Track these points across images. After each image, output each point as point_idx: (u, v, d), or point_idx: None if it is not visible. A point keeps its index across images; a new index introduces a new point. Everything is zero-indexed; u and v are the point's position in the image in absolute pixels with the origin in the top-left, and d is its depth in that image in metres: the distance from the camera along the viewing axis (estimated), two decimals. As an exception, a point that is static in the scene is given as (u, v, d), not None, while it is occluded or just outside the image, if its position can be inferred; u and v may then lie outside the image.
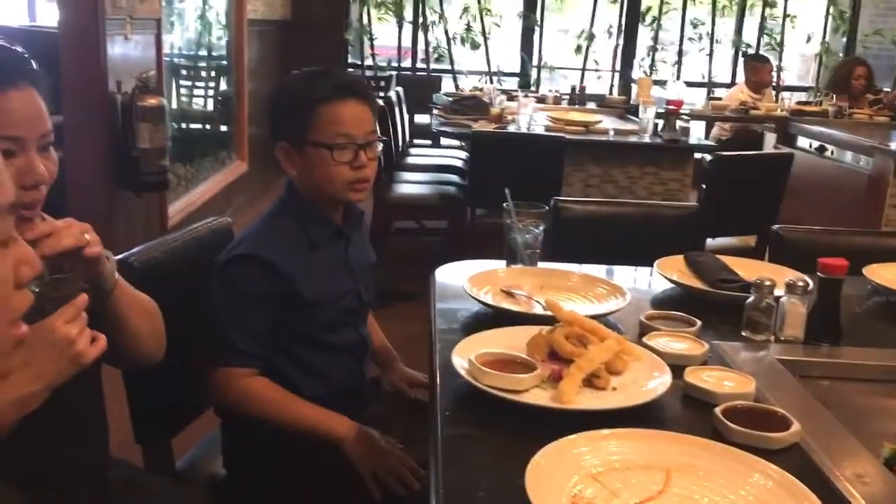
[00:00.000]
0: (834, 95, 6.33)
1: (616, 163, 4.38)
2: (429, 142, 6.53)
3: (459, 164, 5.14)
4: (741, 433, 1.13)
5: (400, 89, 5.85)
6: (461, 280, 1.75)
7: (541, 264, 1.86)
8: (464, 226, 4.15)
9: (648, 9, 7.83)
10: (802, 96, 7.59)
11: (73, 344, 1.02)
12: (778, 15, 7.96)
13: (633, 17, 7.80)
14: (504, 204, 1.85)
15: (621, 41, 7.87)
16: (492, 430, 1.20)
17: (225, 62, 5.92)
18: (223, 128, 5.93)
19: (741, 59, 7.50)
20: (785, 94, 7.29)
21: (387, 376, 1.91)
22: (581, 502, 0.96)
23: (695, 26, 7.91)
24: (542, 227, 1.85)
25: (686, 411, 1.26)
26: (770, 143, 6.02)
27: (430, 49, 7.72)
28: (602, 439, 1.08)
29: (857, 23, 8.01)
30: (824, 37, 8.11)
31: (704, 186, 3.82)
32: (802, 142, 5.55)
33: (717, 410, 1.19)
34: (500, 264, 1.87)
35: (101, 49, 3.20)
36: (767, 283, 1.53)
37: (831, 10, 7.99)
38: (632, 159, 4.38)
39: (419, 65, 7.72)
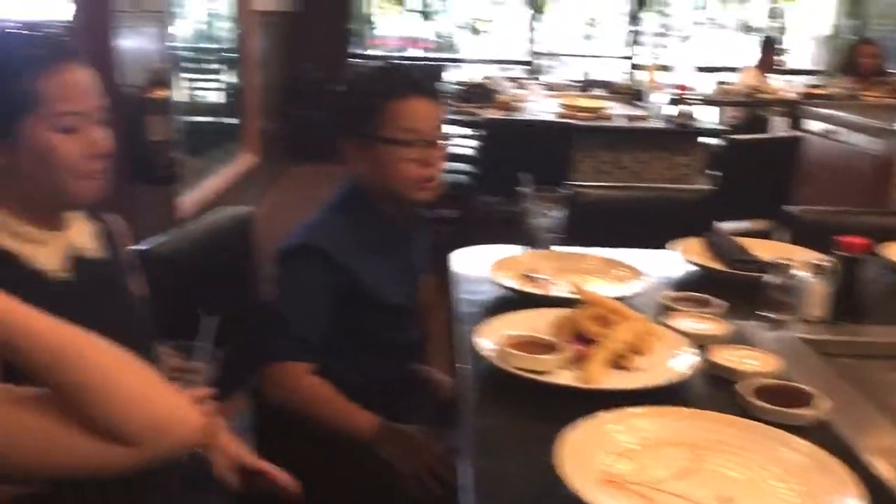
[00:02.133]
0: (842, 76, 6.31)
1: (626, 148, 4.37)
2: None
3: (468, 152, 5.14)
4: (768, 410, 1.14)
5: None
6: (479, 265, 1.77)
7: (558, 248, 1.87)
8: (475, 213, 4.16)
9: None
10: (813, 81, 7.55)
11: None
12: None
13: (639, 2, 7.77)
14: (522, 188, 1.85)
15: (629, 27, 7.84)
16: (520, 412, 1.21)
17: (232, 54, 5.93)
18: (232, 120, 5.94)
19: (749, 42, 7.47)
20: (794, 78, 7.26)
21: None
22: (613, 478, 0.98)
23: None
24: (560, 211, 1.85)
25: (710, 390, 1.27)
26: (779, 127, 6.00)
27: (436, 38, 7.71)
28: (631, 417, 1.09)
29: (865, 4, 7.96)
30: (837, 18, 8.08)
31: (715, 170, 3.82)
32: (813, 125, 5.54)
33: (743, 388, 1.20)
34: (517, 249, 1.88)
35: (112, 42, 3.21)
36: (786, 262, 1.54)
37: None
38: (641, 144, 4.38)
39: (423, 54, 7.71)
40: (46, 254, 1.18)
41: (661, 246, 1.98)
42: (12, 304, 0.83)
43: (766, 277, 1.55)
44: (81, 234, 1.26)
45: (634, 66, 7.74)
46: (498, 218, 3.92)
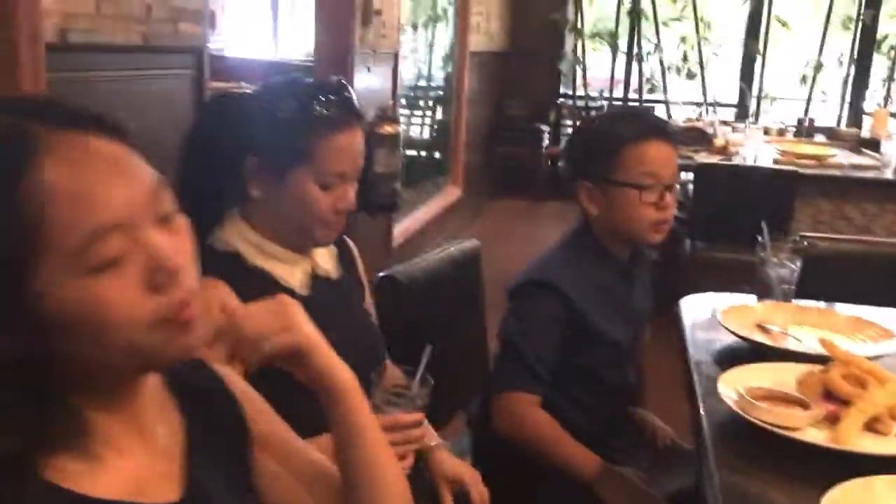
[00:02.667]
0: None
1: (851, 199, 4.12)
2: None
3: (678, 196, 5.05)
4: None
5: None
6: (708, 312, 1.74)
7: (796, 301, 1.80)
8: (683, 258, 4.06)
9: (885, 36, 7.31)
10: None
11: None
12: None
13: (867, 43, 7.31)
14: (758, 237, 1.80)
15: (853, 70, 7.39)
16: (764, 468, 1.18)
17: (442, 92, 6.18)
18: (440, 154, 6.19)
19: None
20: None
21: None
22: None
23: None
24: (798, 262, 1.78)
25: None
26: None
27: (643, 79, 7.64)
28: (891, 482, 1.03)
29: None
30: None
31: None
32: None
33: None
34: (749, 299, 1.83)
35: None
36: None
37: None
38: (870, 196, 4.10)
39: (631, 94, 7.65)
40: (291, 272, 1.29)
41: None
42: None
43: None
44: (323, 258, 1.37)
45: (858, 113, 7.28)
46: (709, 264, 3.81)
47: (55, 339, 0.65)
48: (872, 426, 1.22)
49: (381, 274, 1.75)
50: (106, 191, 0.64)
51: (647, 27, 7.33)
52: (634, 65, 7.54)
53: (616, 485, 1.54)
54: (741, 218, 3.39)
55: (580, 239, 1.71)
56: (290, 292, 1.25)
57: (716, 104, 7.31)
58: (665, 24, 7.41)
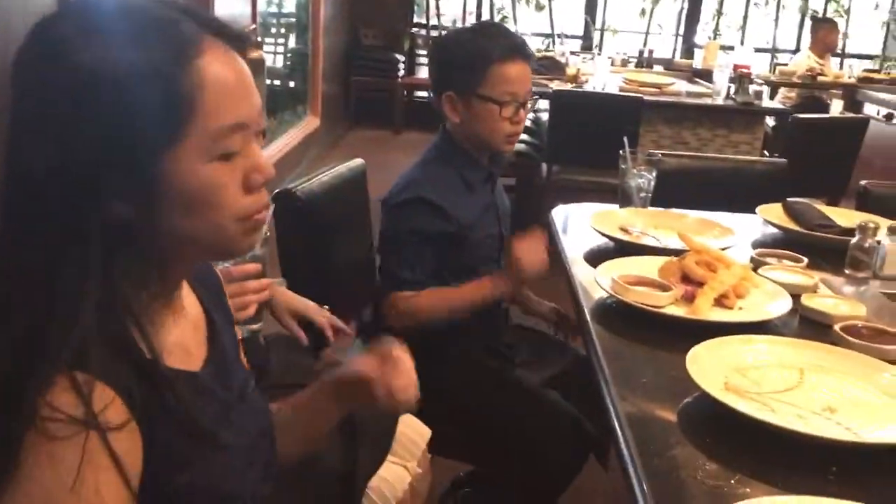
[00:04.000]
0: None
1: (688, 125, 4.50)
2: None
3: (527, 122, 5.29)
4: (860, 346, 1.30)
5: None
6: (578, 220, 1.95)
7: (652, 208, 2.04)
8: (540, 182, 4.32)
9: (714, -27, 7.83)
10: (868, 64, 7.56)
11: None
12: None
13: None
14: (621, 151, 2.02)
15: (686, 5, 7.89)
16: (639, 338, 1.39)
17: (294, 20, 6.09)
18: (299, 84, 6.14)
19: (808, 24, 7.48)
20: (850, 62, 7.28)
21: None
22: (732, 388, 1.15)
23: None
24: (654, 173, 2.02)
25: (804, 331, 1.43)
26: (836, 110, 6.07)
27: (494, 10, 7.82)
28: (747, 342, 1.26)
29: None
30: (893, 4, 8.04)
31: (773, 150, 3.93)
32: (869, 109, 5.61)
33: (837, 327, 1.36)
34: (611, 207, 2.05)
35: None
36: (872, 225, 1.70)
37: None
38: (704, 122, 4.50)
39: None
40: None
41: (735, 212, 2.15)
42: None
43: (852, 239, 1.71)
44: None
45: (690, 45, 7.80)
46: (565, 186, 4.08)
47: (164, 213, 0.75)
48: (721, 302, 1.45)
49: (277, 190, 1.84)
50: (245, 95, 0.77)
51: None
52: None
53: (513, 273, 1.72)
54: (593, 142, 3.66)
55: (445, 146, 1.84)
56: None
57: (563, 35, 7.62)
58: (515, -44, 7.58)
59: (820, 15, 7.73)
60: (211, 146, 0.74)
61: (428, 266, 1.76)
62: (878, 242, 1.71)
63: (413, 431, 1.52)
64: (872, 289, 1.67)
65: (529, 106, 1.81)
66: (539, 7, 7.79)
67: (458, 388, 1.75)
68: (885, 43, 8.03)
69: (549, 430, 1.72)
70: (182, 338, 0.83)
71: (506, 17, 7.92)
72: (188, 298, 0.87)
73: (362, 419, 1.34)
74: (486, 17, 7.80)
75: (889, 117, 5.29)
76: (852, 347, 1.30)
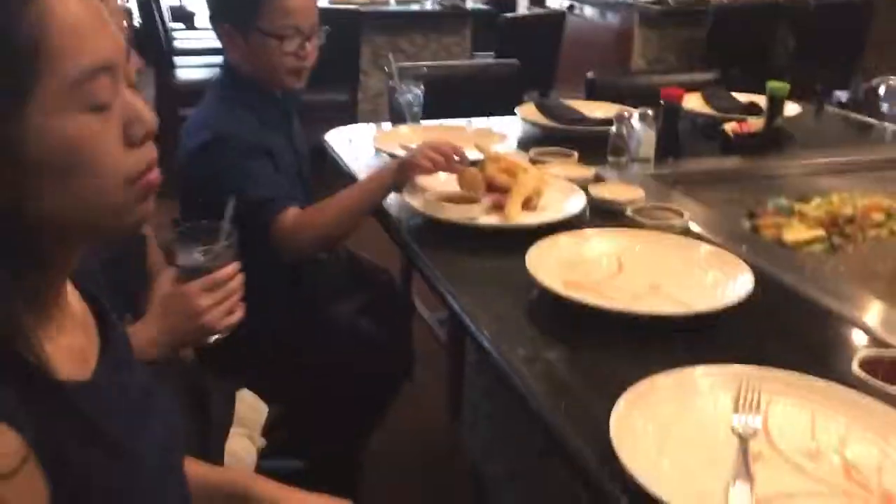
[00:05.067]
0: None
1: (403, 33, 4.57)
2: (182, 25, 6.26)
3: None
4: (650, 225, 1.46)
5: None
6: (357, 143, 1.93)
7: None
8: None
9: None
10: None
11: (200, 314, 1.11)
12: None
13: None
14: (386, 68, 2.01)
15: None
16: (461, 250, 1.44)
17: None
18: None
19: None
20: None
21: None
22: (571, 283, 1.24)
23: None
24: (421, 87, 2.04)
25: (599, 219, 1.56)
26: (522, 5, 6.48)
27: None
28: (576, 238, 1.37)
29: None
30: None
31: (485, 49, 4.13)
32: (551, 2, 6.06)
33: (629, 210, 1.51)
34: (389, 126, 2.06)
35: None
36: (626, 114, 1.87)
37: None
38: (416, 28, 4.59)
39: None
40: None
41: (487, 114, 2.26)
42: None
43: (611, 128, 1.88)
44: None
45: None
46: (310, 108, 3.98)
47: (35, 189, 0.62)
48: (525, 205, 1.54)
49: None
50: (102, 32, 0.66)
51: None
52: None
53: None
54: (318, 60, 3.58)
55: (229, 86, 1.70)
56: None
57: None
58: None
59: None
60: (74, 95, 0.63)
61: (274, 174, 1.61)
62: (633, 129, 1.90)
63: (250, 408, 1.46)
64: (634, 171, 1.85)
65: (320, 37, 1.71)
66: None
67: (267, 333, 1.70)
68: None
69: (361, 359, 1.74)
70: (72, 342, 0.71)
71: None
72: (72, 295, 0.75)
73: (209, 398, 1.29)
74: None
75: (570, 8, 5.75)
76: (645, 228, 1.45)
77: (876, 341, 1.14)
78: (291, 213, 1.59)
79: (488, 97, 2.65)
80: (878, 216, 1.60)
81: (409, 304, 2.29)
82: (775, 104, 1.99)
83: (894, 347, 1.08)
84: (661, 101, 1.94)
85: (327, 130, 2.09)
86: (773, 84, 2.00)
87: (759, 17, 4.82)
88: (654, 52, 4.88)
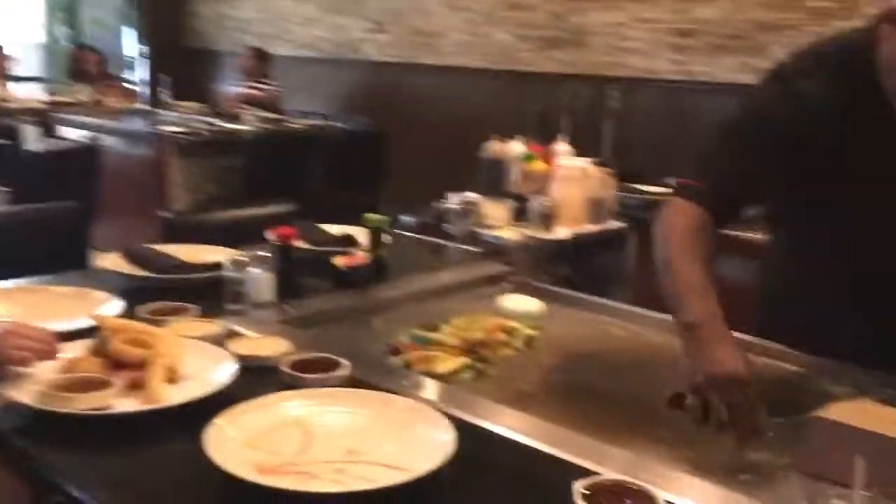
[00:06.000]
0: (74, 83, 6.56)
1: None
2: None
3: None
4: (310, 380, 1.33)
5: None
6: None
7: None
8: None
9: None
10: (45, 88, 7.49)
11: None
12: None
13: None
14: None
15: None
16: (98, 449, 1.15)
17: None
18: None
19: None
20: (27, 85, 7.13)
21: None
22: (265, 467, 1.06)
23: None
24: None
25: (255, 382, 1.37)
26: (32, 136, 5.86)
27: None
28: (238, 415, 1.18)
29: (77, 12, 8.24)
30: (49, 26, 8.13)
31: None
32: (70, 133, 5.59)
33: (284, 366, 1.36)
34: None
35: None
36: (243, 258, 1.74)
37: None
38: None
39: None
40: None
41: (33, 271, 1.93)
42: None
43: (228, 273, 1.72)
44: None
45: None
46: None
47: None
48: (170, 378, 1.31)
49: None
50: None
51: None
52: None
53: None
54: None
55: None
56: None
57: None
58: None
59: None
60: None
61: None
62: (248, 273, 1.77)
63: None
64: (260, 317, 1.71)
65: None
66: None
67: None
68: (51, 65, 8.09)
69: None
70: None
71: None
72: None
73: None
74: None
75: (95, 139, 5.37)
76: (300, 383, 1.32)
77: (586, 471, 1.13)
78: None
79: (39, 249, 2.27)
80: (502, 336, 1.70)
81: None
82: (375, 235, 2.04)
83: (603, 475, 1.10)
84: (271, 242, 1.86)
85: None
86: (369, 217, 2.05)
87: (291, 145, 5.07)
88: (194, 181, 4.79)
